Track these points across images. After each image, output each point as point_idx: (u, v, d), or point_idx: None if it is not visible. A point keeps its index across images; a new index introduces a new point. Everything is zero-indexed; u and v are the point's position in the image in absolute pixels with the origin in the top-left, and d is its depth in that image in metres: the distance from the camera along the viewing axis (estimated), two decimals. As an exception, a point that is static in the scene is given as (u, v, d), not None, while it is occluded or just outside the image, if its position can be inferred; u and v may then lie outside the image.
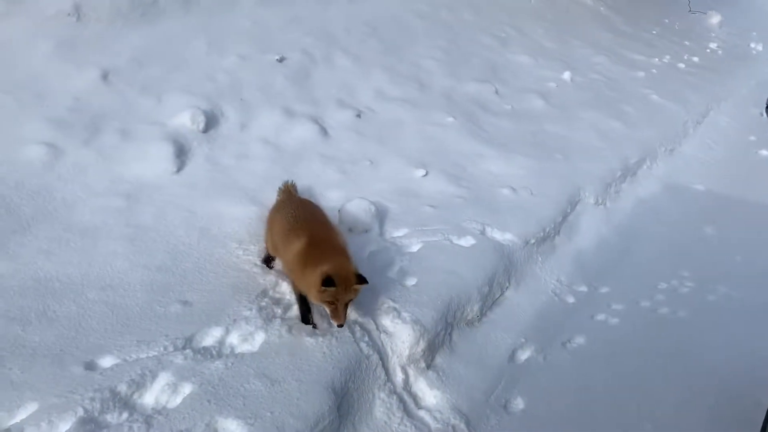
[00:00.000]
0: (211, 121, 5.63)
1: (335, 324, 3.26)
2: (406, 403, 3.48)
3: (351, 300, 3.27)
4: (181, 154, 5.14)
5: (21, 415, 2.75)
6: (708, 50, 13.11)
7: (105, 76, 5.78)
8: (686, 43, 13.08)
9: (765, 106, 2.93)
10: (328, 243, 3.42)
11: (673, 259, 5.57)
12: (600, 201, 6.07)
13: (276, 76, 6.73)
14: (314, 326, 3.49)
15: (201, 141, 5.39)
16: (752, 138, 8.90)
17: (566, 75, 9.04)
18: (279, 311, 3.61)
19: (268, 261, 4.03)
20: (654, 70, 10.50)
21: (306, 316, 3.52)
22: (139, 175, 4.83)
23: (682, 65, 11.32)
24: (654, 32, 13.18)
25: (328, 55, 7.49)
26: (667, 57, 11.53)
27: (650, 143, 7.51)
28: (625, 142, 7.24)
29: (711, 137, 8.71)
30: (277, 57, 7.02)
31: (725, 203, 6.86)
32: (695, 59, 11.92)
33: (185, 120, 5.45)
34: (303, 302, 3.53)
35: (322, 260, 3.21)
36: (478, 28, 9.98)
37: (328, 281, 3.10)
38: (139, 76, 5.96)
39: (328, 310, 3.26)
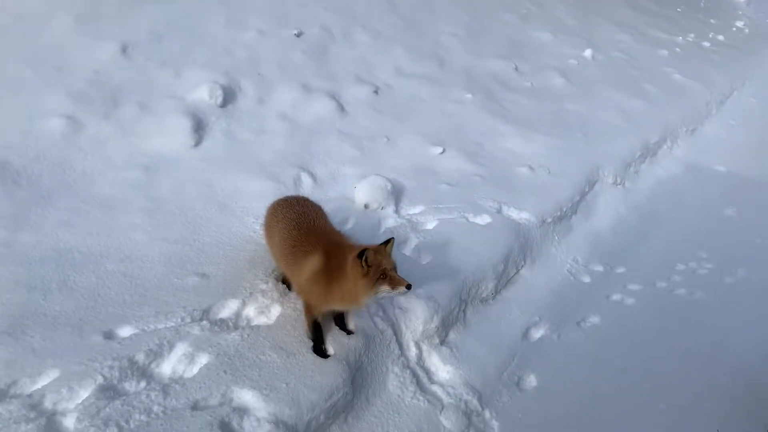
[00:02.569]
0: (229, 96, 5.64)
1: (404, 288, 2.86)
2: (419, 377, 3.51)
3: (395, 265, 2.93)
4: (199, 128, 5.16)
5: (42, 382, 2.83)
6: (734, 28, 12.82)
7: (124, 50, 5.80)
8: (711, 21, 12.80)
9: None
10: (343, 246, 3.05)
11: (691, 241, 5.52)
12: (619, 181, 6.01)
13: (294, 51, 6.71)
14: (328, 356, 3.23)
15: (219, 115, 5.41)
16: (777, 119, 8.73)
17: (588, 53, 8.91)
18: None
19: (287, 281, 3.57)
20: (678, 49, 10.30)
21: (319, 347, 3.22)
22: (157, 149, 4.87)
23: (706, 44, 11.10)
24: (678, 10, 12.90)
25: (347, 31, 7.44)
26: (692, 35, 11.30)
27: (672, 123, 7.40)
28: (646, 122, 7.14)
29: (734, 118, 8.56)
30: (296, 32, 6.99)
31: (746, 185, 6.76)
32: (720, 38, 11.67)
33: (203, 94, 5.47)
34: (317, 330, 3.23)
35: (344, 258, 2.91)
36: (499, 4, 9.84)
37: (362, 254, 2.80)
38: (158, 50, 5.97)
39: (388, 288, 2.86)
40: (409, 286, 2.87)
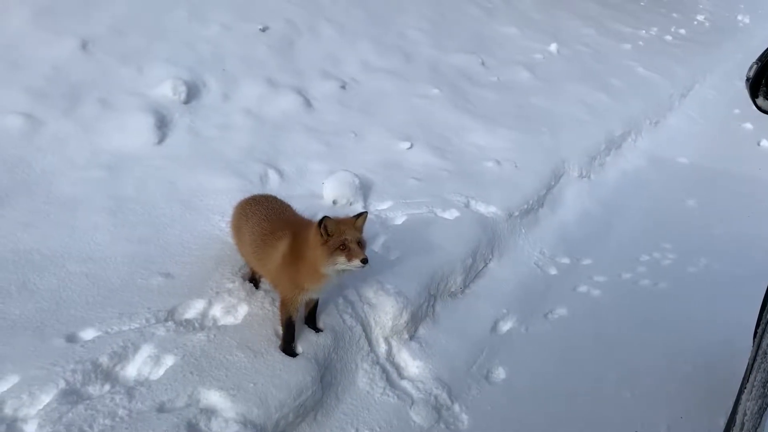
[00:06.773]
0: (192, 92, 5.54)
1: (359, 261, 2.83)
2: (389, 373, 3.51)
3: (360, 240, 2.91)
4: (163, 125, 5.07)
5: (2, 388, 2.74)
6: (695, 22, 13.08)
7: (84, 45, 5.66)
8: (674, 15, 13.04)
9: (746, 78, 2.92)
10: (310, 224, 3.07)
11: (655, 232, 5.62)
12: (584, 174, 6.09)
13: (259, 46, 6.63)
14: (296, 354, 3.19)
15: (183, 112, 5.32)
16: (736, 111, 8.93)
17: (553, 47, 9.00)
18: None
19: (254, 279, 3.59)
20: (641, 43, 10.48)
21: (289, 345, 3.17)
22: (120, 147, 4.77)
23: (668, 37, 11.30)
24: (642, 3, 13.11)
25: (313, 25, 7.38)
26: (654, 29, 11.50)
27: (635, 116, 7.52)
28: (610, 115, 7.24)
29: (696, 110, 8.74)
30: (260, 26, 6.91)
31: (708, 176, 6.91)
32: (682, 31, 11.90)
33: (166, 90, 5.37)
34: (290, 329, 3.17)
35: (307, 234, 2.97)
36: (464, -1, 9.88)
37: (322, 221, 2.82)
38: (119, 46, 5.83)
39: (344, 259, 2.84)
40: (365, 260, 2.84)
